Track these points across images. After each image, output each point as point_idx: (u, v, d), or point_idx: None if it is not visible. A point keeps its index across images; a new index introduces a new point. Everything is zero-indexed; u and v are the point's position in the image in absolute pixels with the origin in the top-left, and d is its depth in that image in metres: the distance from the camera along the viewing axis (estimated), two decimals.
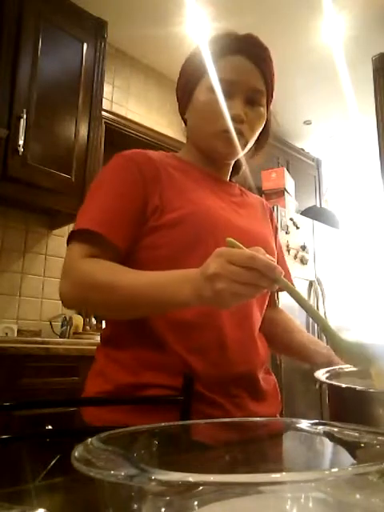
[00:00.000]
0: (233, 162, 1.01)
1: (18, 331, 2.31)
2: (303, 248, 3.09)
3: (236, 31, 0.92)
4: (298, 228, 3.10)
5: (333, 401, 0.56)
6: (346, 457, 0.36)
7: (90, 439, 0.31)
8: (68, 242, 0.83)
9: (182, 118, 1.00)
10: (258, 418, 0.45)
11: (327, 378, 0.60)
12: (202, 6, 2.61)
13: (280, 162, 3.80)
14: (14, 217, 2.45)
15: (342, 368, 0.68)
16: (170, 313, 0.82)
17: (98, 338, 2.07)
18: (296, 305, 0.62)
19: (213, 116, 0.88)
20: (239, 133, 0.89)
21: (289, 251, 2.96)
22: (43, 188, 2.18)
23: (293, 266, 2.93)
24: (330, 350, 0.89)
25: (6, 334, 2.26)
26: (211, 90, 0.88)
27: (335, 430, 0.37)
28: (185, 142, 1.03)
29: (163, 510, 0.28)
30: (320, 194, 4.26)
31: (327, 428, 0.38)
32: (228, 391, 0.84)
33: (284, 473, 0.28)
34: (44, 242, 2.57)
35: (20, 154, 2.07)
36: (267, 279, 0.58)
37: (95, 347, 0.92)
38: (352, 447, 0.35)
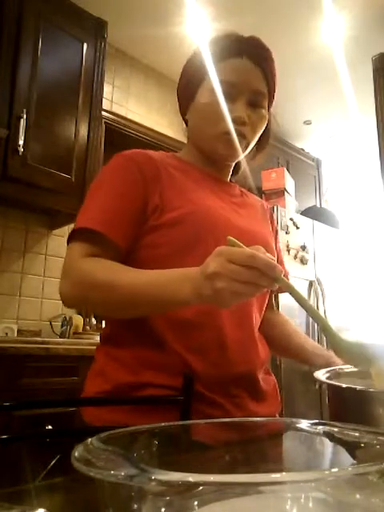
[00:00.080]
0: (234, 163, 1.01)
1: (18, 331, 2.31)
2: (303, 248, 3.09)
3: (238, 32, 0.92)
4: (298, 228, 3.10)
5: (333, 401, 0.56)
6: (345, 457, 0.36)
7: (89, 439, 0.31)
8: (68, 242, 0.83)
9: (183, 119, 1.00)
10: (258, 418, 0.45)
11: (327, 378, 0.60)
12: (202, 6, 2.61)
13: (280, 161, 3.80)
14: (14, 217, 2.45)
15: (341, 368, 0.68)
16: (169, 312, 0.82)
17: (97, 338, 2.07)
18: (295, 305, 0.62)
19: (215, 118, 0.88)
20: (241, 135, 0.89)
21: (289, 251, 2.96)
22: (43, 188, 2.18)
23: (293, 266, 2.93)
24: (328, 352, 0.89)
25: (6, 333, 2.26)
26: (213, 91, 0.88)
27: (335, 429, 0.37)
28: (185, 142, 1.03)
29: (163, 510, 0.28)
30: (320, 193, 4.26)
31: (327, 428, 0.38)
32: (228, 391, 0.84)
33: (284, 473, 0.28)
34: (44, 242, 2.57)
35: (20, 154, 2.07)
36: (267, 278, 0.58)
37: (95, 347, 0.92)
38: (352, 447, 0.35)
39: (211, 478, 0.24)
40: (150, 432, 0.37)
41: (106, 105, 2.78)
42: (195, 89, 0.92)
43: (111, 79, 2.96)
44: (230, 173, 1.03)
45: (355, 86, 2.94)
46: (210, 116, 0.89)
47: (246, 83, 0.88)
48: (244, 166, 1.03)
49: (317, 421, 0.39)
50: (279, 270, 0.58)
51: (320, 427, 0.38)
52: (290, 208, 3.26)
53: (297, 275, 2.92)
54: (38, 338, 2.08)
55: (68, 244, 0.83)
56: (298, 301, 0.61)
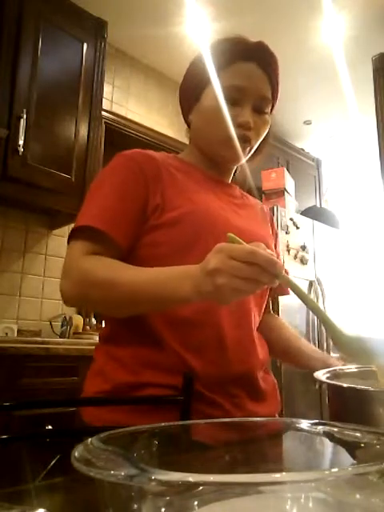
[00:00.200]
0: (235, 166, 1.01)
1: (18, 331, 2.31)
2: (303, 248, 3.09)
3: (245, 36, 0.92)
4: (298, 228, 3.10)
5: (333, 401, 0.56)
6: (345, 457, 0.36)
7: (90, 439, 0.31)
8: (69, 240, 0.83)
9: (185, 120, 1.00)
10: (258, 418, 0.45)
11: (327, 378, 0.60)
12: (202, 6, 2.61)
13: (280, 161, 3.80)
14: (14, 217, 2.45)
15: (342, 369, 0.68)
16: (168, 310, 0.82)
17: (97, 338, 2.07)
18: (296, 306, 0.62)
19: (221, 121, 0.88)
20: (246, 139, 0.90)
21: (289, 251, 2.96)
22: (43, 188, 2.18)
23: (293, 265, 2.93)
24: (326, 355, 0.89)
25: (6, 333, 2.26)
26: (220, 94, 0.88)
27: (335, 429, 0.37)
28: (185, 142, 1.03)
29: (163, 510, 0.28)
30: (320, 193, 4.26)
31: (327, 428, 0.38)
32: (227, 391, 0.84)
33: (284, 473, 0.28)
34: (44, 242, 2.57)
35: (20, 154, 2.07)
36: (268, 274, 0.58)
37: (95, 347, 0.92)
38: (352, 447, 0.35)
39: (211, 478, 0.24)
40: (150, 432, 0.37)
41: (106, 105, 2.78)
42: (200, 91, 0.92)
43: (111, 79, 2.96)
44: (232, 175, 1.03)
45: (355, 86, 2.94)
46: (216, 119, 0.89)
47: (253, 89, 0.89)
48: (244, 166, 1.03)
49: (317, 421, 0.39)
50: (280, 267, 0.58)
51: (320, 427, 0.38)
52: (290, 208, 3.26)
53: (297, 275, 2.92)
54: (38, 338, 2.09)
55: (68, 242, 0.83)
56: (298, 296, 0.61)
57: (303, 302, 0.62)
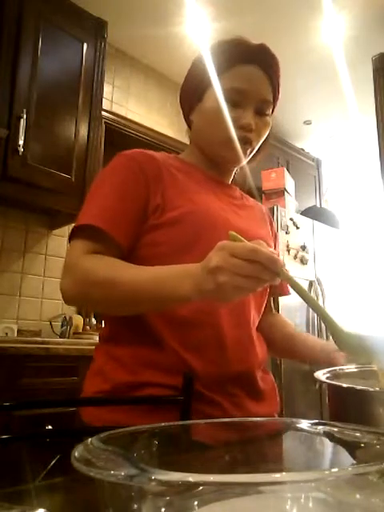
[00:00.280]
0: (236, 167, 1.01)
1: (18, 331, 2.31)
2: (303, 248, 3.09)
3: (248, 39, 0.92)
4: (298, 228, 3.10)
5: (333, 401, 0.56)
6: (345, 457, 0.36)
7: (90, 439, 0.31)
8: (70, 239, 0.83)
9: (186, 120, 1.00)
10: (258, 418, 0.45)
11: (327, 379, 0.60)
12: (202, 6, 2.61)
13: (280, 161, 3.80)
14: (14, 217, 2.45)
15: (342, 369, 0.68)
16: (167, 310, 0.83)
17: (97, 338, 2.07)
18: (296, 305, 0.62)
19: (222, 122, 0.89)
20: (247, 141, 0.91)
21: (289, 251, 2.96)
22: (43, 188, 2.18)
23: (293, 266, 2.93)
24: (330, 345, 0.88)
25: (6, 333, 2.26)
26: (222, 96, 0.88)
27: (335, 429, 0.37)
28: (185, 142, 1.03)
29: (163, 510, 0.28)
30: (320, 194, 4.26)
31: (327, 428, 0.38)
32: (226, 390, 0.84)
33: (284, 473, 0.28)
34: (44, 242, 2.57)
35: (20, 154, 2.07)
36: (269, 272, 0.58)
37: (95, 347, 0.92)
38: (352, 447, 0.35)
39: (211, 478, 0.24)
40: (150, 432, 0.37)
41: (106, 105, 2.78)
42: (202, 92, 0.92)
43: (111, 79, 2.96)
44: (232, 176, 1.03)
45: (355, 86, 2.94)
46: (218, 120, 0.89)
47: (255, 91, 0.89)
48: (244, 166, 1.04)
49: (317, 421, 0.39)
50: (281, 264, 0.58)
51: (320, 427, 0.38)
52: (290, 208, 3.26)
53: (297, 275, 2.92)
54: (38, 338, 2.09)
55: (69, 241, 0.83)
56: (299, 294, 0.62)
57: (304, 300, 0.62)
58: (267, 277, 0.59)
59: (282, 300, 2.46)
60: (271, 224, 1.10)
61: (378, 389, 0.53)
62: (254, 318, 0.92)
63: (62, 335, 2.47)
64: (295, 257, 3.01)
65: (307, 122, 3.94)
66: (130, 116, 3.05)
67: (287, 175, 3.44)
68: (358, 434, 0.35)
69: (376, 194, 3.66)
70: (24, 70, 2.16)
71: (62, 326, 2.49)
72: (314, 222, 3.34)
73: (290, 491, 0.29)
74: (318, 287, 3.11)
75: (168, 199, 0.85)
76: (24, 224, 2.49)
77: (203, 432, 0.42)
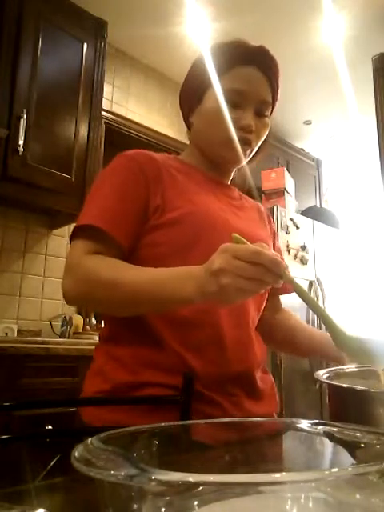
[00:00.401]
0: (235, 168, 1.02)
1: (18, 331, 2.31)
2: (303, 248, 3.09)
3: (247, 41, 0.93)
4: (298, 228, 3.10)
5: (333, 401, 0.56)
6: (345, 457, 0.36)
7: (90, 439, 0.31)
8: (71, 240, 0.83)
9: (186, 121, 1.00)
10: (258, 418, 0.45)
11: (327, 379, 0.60)
12: (202, 6, 2.61)
13: (280, 161, 3.80)
14: (14, 217, 2.45)
15: (342, 369, 0.68)
16: (167, 310, 0.83)
17: (97, 338, 2.07)
18: (295, 305, 0.62)
19: (222, 123, 0.89)
20: (247, 142, 0.91)
21: (289, 251, 2.96)
22: (43, 188, 2.18)
23: (293, 265, 2.93)
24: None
25: (6, 333, 2.26)
26: (222, 97, 0.89)
27: (335, 429, 0.37)
28: (185, 142, 1.03)
29: (163, 510, 0.28)
30: (320, 194, 4.26)
31: (327, 428, 0.38)
32: (226, 390, 0.84)
33: (284, 473, 0.28)
34: (44, 242, 2.57)
35: (20, 154, 2.07)
36: (272, 274, 0.59)
37: (95, 347, 0.92)
38: (352, 447, 0.35)
39: (211, 478, 0.24)
40: (150, 432, 0.37)
41: (106, 105, 2.78)
42: (202, 93, 0.92)
43: (111, 79, 2.96)
44: (231, 177, 1.04)
45: (355, 86, 2.94)
46: (218, 121, 0.90)
47: (254, 93, 0.90)
48: (244, 166, 1.04)
49: (317, 421, 0.39)
50: (284, 267, 0.59)
51: (320, 427, 0.38)
52: (290, 208, 3.26)
53: (297, 275, 2.92)
54: (38, 338, 2.09)
55: (71, 242, 0.83)
56: (301, 296, 0.62)
57: (306, 302, 0.62)
58: (270, 279, 0.59)
59: (282, 300, 2.46)
60: (270, 222, 1.10)
61: (377, 389, 0.53)
62: (254, 318, 0.93)
63: (62, 335, 2.47)
64: (295, 257, 3.01)
65: (307, 122, 3.94)
66: (130, 116, 3.05)
67: (287, 175, 3.44)
68: (357, 434, 0.35)
69: (376, 193, 3.65)
70: (24, 70, 2.16)
71: (62, 325, 2.49)
72: (314, 221, 3.34)
73: (290, 491, 0.29)
74: (317, 287, 3.11)
75: (168, 200, 0.86)
76: (24, 224, 2.49)
77: (203, 432, 0.42)
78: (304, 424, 0.39)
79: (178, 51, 2.89)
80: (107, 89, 2.81)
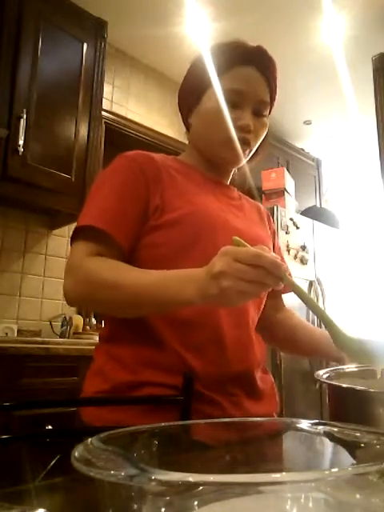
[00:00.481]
0: (234, 168, 1.02)
1: (18, 331, 2.31)
2: (303, 248, 3.09)
3: (245, 41, 0.93)
4: (298, 228, 3.10)
5: (333, 401, 0.56)
6: (345, 457, 0.36)
7: (90, 439, 0.31)
8: (72, 241, 0.83)
9: (184, 122, 1.00)
10: (258, 418, 0.45)
11: (327, 378, 0.60)
12: (202, 6, 2.61)
13: (280, 161, 3.80)
14: (14, 217, 2.45)
15: (342, 368, 0.68)
16: (168, 311, 0.83)
17: (97, 338, 2.07)
18: (295, 305, 0.62)
19: (221, 124, 0.90)
20: (246, 142, 0.91)
21: (289, 251, 2.96)
22: (43, 188, 2.18)
23: (293, 266, 2.93)
24: None
25: (6, 333, 2.26)
26: (220, 98, 0.89)
27: (335, 429, 0.37)
28: (185, 142, 1.03)
29: (163, 510, 0.28)
30: (320, 194, 4.25)
31: (327, 428, 0.38)
32: (226, 390, 0.84)
33: (284, 473, 0.28)
34: (44, 242, 2.57)
35: (20, 154, 2.07)
36: (273, 277, 0.59)
37: (95, 347, 0.92)
38: (352, 447, 0.35)
39: (211, 478, 0.24)
40: (150, 432, 0.37)
41: (106, 105, 2.78)
42: (201, 94, 0.93)
43: (111, 79, 2.96)
44: (230, 177, 1.04)
45: (355, 86, 2.94)
46: (217, 122, 0.90)
47: (253, 93, 0.90)
48: (244, 166, 1.04)
49: (317, 421, 0.39)
50: (284, 269, 0.59)
51: (320, 427, 0.38)
52: (290, 208, 3.26)
53: (297, 275, 2.92)
54: (38, 338, 2.09)
55: (72, 243, 0.83)
56: (301, 298, 0.62)
57: (306, 304, 0.62)
58: (271, 281, 0.59)
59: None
60: (269, 222, 1.11)
61: (377, 389, 0.53)
62: (254, 318, 0.93)
63: (62, 335, 2.47)
64: (295, 257, 3.01)
65: (307, 122, 3.94)
66: (129, 116, 3.05)
67: (287, 175, 3.44)
68: (358, 434, 0.35)
69: (376, 193, 3.66)
70: (24, 70, 2.16)
71: (62, 325, 2.49)
72: (314, 222, 3.34)
73: (290, 491, 0.29)
74: (317, 287, 3.11)
75: (167, 200, 0.86)
76: (24, 224, 2.49)
77: (203, 432, 0.42)
78: (304, 424, 0.39)
79: (178, 51, 2.89)
80: (107, 89, 2.81)
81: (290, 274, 0.69)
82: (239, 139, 0.90)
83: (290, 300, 1.07)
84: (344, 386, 0.54)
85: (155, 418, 0.76)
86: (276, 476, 0.24)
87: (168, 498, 0.28)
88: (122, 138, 2.96)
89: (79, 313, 2.59)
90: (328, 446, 0.38)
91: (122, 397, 0.81)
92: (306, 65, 3.13)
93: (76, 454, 0.28)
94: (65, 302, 0.82)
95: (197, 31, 2.78)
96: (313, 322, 2.92)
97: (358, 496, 0.28)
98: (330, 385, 0.56)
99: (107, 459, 0.28)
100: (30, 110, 2.14)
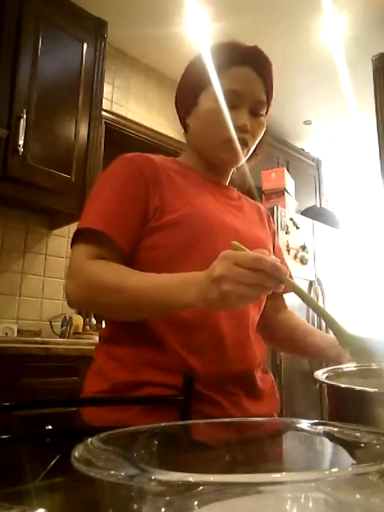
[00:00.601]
0: (233, 168, 1.02)
1: (18, 331, 2.31)
2: (303, 248, 3.09)
3: (240, 41, 0.93)
4: (298, 228, 3.10)
5: (332, 401, 0.56)
6: (345, 457, 0.36)
7: (90, 439, 0.31)
8: (72, 243, 0.83)
9: (182, 124, 1.01)
10: (259, 418, 0.45)
11: (327, 378, 0.60)
12: (202, 6, 2.61)
13: (280, 161, 3.80)
14: (14, 217, 2.45)
15: (341, 368, 0.68)
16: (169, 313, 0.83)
17: (97, 338, 2.07)
18: (295, 305, 0.63)
19: (219, 125, 0.90)
20: (244, 142, 0.91)
21: (289, 251, 2.96)
22: (43, 188, 2.18)
23: (293, 266, 2.93)
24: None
25: (6, 333, 2.26)
26: (217, 98, 0.89)
27: (335, 429, 0.37)
28: (185, 142, 1.03)
29: (163, 510, 0.28)
30: (320, 194, 4.25)
31: (327, 428, 0.38)
32: (226, 389, 0.84)
33: (284, 473, 0.28)
34: (44, 242, 2.57)
35: (20, 154, 2.07)
36: (273, 280, 0.59)
37: (95, 347, 0.92)
38: (352, 447, 0.35)
39: (211, 478, 0.24)
40: (150, 432, 0.37)
41: (106, 105, 2.78)
42: (197, 95, 0.93)
43: (111, 79, 2.96)
44: (229, 177, 1.04)
45: (355, 86, 2.94)
46: (215, 123, 0.90)
47: (249, 93, 0.91)
48: (243, 167, 1.04)
49: (317, 421, 0.39)
50: (284, 272, 0.59)
51: (320, 427, 0.38)
52: (290, 208, 3.26)
53: (297, 275, 2.92)
54: (38, 338, 2.09)
55: (72, 245, 0.83)
56: (302, 299, 0.62)
57: (308, 304, 0.63)
58: (271, 284, 0.60)
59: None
60: (269, 222, 1.11)
61: (376, 389, 0.53)
62: (254, 319, 0.93)
63: (62, 335, 2.47)
64: (295, 257, 3.01)
65: (307, 122, 3.94)
66: (129, 116, 3.05)
67: (287, 175, 3.44)
68: (357, 434, 0.35)
69: (376, 193, 3.66)
70: (24, 70, 2.16)
71: (62, 325, 2.49)
72: (314, 222, 3.34)
73: (290, 491, 0.29)
74: (318, 287, 3.11)
75: (166, 202, 0.86)
76: (24, 224, 2.49)
77: (203, 432, 0.42)
78: (304, 424, 0.39)
79: (178, 51, 2.89)
80: (107, 89, 2.81)
81: (290, 276, 0.69)
82: (237, 139, 0.90)
83: (290, 300, 1.07)
84: (343, 385, 0.54)
85: (155, 418, 0.76)
86: (276, 476, 0.24)
87: (168, 497, 0.28)
88: (122, 137, 2.96)
89: (79, 313, 2.59)
90: (328, 445, 0.38)
91: (122, 397, 0.81)
92: (306, 65, 3.13)
93: (76, 454, 0.28)
94: (65, 302, 0.83)
95: (197, 31, 2.78)
96: (313, 323, 2.92)
97: (357, 496, 0.28)
98: (329, 385, 0.56)
99: (107, 459, 0.28)
100: (30, 110, 2.14)
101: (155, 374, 0.81)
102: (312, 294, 3.06)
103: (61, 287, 2.55)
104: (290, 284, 0.61)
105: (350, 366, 0.68)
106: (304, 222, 3.22)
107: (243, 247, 0.62)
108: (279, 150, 3.83)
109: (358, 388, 0.52)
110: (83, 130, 2.38)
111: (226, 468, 0.38)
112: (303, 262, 3.06)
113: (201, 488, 0.27)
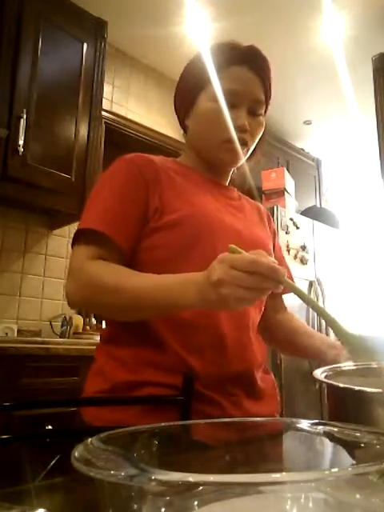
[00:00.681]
0: (232, 168, 1.02)
1: (18, 331, 2.31)
2: (303, 248, 3.09)
3: (237, 41, 0.93)
4: (298, 228, 3.10)
5: (331, 400, 0.56)
6: (345, 457, 0.36)
7: (90, 439, 0.31)
8: (73, 244, 0.84)
9: (181, 124, 1.01)
10: (259, 418, 0.45)
11: (326, 378, 0.60)
12: (202, 6, 2.61)
13: (280, 161, 3.80)
14: (14, 217, 2.45)
15: (340, 367, 0.68)
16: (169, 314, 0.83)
17: (97, 338, 2.07)
18: (295, 306, 0.63)
19: (218, 125, 0.90)
20: (243, 142, 0.92)
21: (289, 251, 2.96)
22: (43, 188, 2.18)
23: (293, 265, 2.93)
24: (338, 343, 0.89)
25: (6, 333, 2.26)
26: (216, 98, 0.89)
27: (335, 429, 0.37)
28: (185, 142, 1.03)
29: (163, 510, 0.28)
30: (320, 194, 4.25)
31: (327, 428, 0.38)
32: (226, 390, 0.84)
33: (284, 473, 0.28)
34: (44, 242, 2.57)
35: (20, 154, 2.07)
36: (271, 281, 0.59)
37: (95, 347, 0.92)
38: (352, 447, 0.35)
39: (211, 478, 0.24)
40: (150, 432, 0.37)
41: (106, 105, 2.78)
42: (196, 95, 0.93)
43: (111, 79, 2.96)
44: (229, 177, 1.04)
45: (355, 86, 2.94)
46: (214, 123, 0.90)
47: (247, 92, 0.91)
48: (243, 166, 1.04)
49: (317, 421, 0.39)
50: (282, 273, 0.59)
51: (320, 427, 0.38)
52: (290, 208, 3.26)
53: (297, 275, 2.91)
54: (38, 338, 2.08)
55: (73, 246, 0.84)
56: (302, 298, 0.62)
57: (308, 304, 0.63)
58: (269, 286, 0.60)
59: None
60: (269, 222, 1.11)
61: (375, 389, 0.53)
62: (254, 319, 0.93)
63: (62, 335, 2.47)
64: (295, 257, 3.01)
65: (307, 122, 3.94)
66: (130, 116, 3.05)
67: (287, 175, 3.44)
68: (358, 434, 0.35)
69: (376, 193, 3.66)
70: (24, 70, 2.16)
71: (62, 325, 2.49)
72: (314, 222, 3.34)
73: (290, 491, 0.29)
74: (318, 287, 3.11)
75: (166, 202, 0.86)
76: (24, 224, 2.49)
77: (203, 432, 0.42)
78: (304, 424, 0.39)
79: (178, 51, 2.89)
80: (107, 89, 2.81)
81: (290, 276, 0.69)
82: (237, 139, 0.90)
83: (289, 301, 1.07)
84: (342, 385, 0.54)
85: (155, 418, 0.76)
86: (276, 476, 0.24)
87: (168, 497, 0.28)
88: (122, 137, 2.96)
89: (79, 313, 2.59)
90: (328, 445, 0.38)
91: (122, 397, 0.81)
92: (306, 65, 3.13)
93: (76, 454, 0.28)
94: (65, 302, 0.83)
95: (197, 31, 2.78)
96: (313, 323, 2.92)
97: (357, 496, 0.28)
98: (329, 384, 0.56)
99: (107, 459, 0.28)
100: (30, 110, 2.14)
101: (155, 374, 0.81)
102: (312, 294, 3.06)
103: (61, 287, 2.55)
104: (288, 284, 0.61)
105: (349, 365, 0.68)
106: (304, 222, 3.22)
107: (240, 250, 0.62)
108: (279, 150, 3.83)
109: (357, 388, 0.52)
110: (83, 130, 2.38)
111: (226, 468, 0.38)
112: (303, 262, 3.06)
113: (201, 488, 0.27)
